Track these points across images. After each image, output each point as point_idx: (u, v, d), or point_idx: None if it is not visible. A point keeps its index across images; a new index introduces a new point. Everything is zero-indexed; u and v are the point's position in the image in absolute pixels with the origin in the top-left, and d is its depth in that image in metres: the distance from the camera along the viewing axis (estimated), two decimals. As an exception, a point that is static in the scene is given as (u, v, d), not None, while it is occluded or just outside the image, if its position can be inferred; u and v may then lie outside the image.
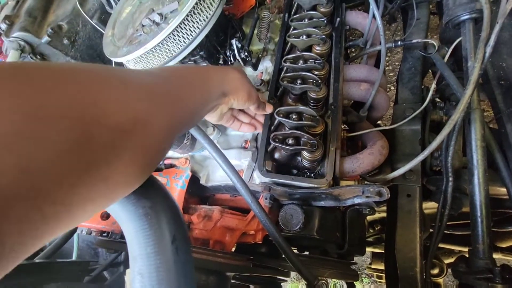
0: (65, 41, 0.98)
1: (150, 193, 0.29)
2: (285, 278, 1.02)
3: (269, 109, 0.67)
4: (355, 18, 0.88)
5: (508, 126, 0.64)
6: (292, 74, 0.68)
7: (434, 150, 0.78)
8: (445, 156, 0.66)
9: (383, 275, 1.41)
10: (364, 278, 2.22)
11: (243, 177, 0.68)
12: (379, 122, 0.95)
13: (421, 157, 0.58)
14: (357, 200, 0.60)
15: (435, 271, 1.05)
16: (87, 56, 1.06)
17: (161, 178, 0.74)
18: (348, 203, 0.62)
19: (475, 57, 0.55)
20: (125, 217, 0.28)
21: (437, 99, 0.84)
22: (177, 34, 0.58)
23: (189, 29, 0.60)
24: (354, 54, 0.98)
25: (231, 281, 1.05)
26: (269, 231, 0.59)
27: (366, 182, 0.68)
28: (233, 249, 1.27)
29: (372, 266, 1.41)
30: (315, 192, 0.62)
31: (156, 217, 0.28)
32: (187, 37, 0.59)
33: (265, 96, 0.77)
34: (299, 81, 0.67)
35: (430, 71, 0.94)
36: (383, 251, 1.23)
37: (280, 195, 0.69)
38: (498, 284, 0.58)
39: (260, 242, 0.77)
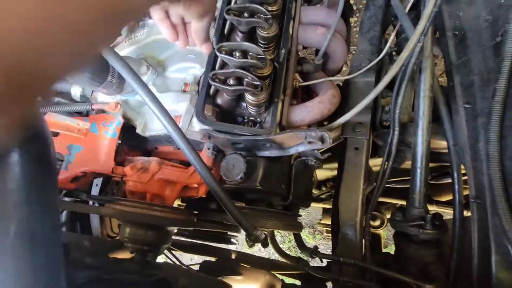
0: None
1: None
2: (235, 234, 1.01)
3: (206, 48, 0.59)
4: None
5: (456, 78, 0.63)
6: (239, 5, 0.59)
7: (385, 104, 0.77)
8: (393, 107, 0.64)
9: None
10: (317, 234, 2.38)
11: (180, 124, 0.61)
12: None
13: (366, 100, 0.55)
14: (301, 148, 0.57)
15: (376, 222, 1.12)
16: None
17: (86, 123, 0.64)
18: (292, 151, 0.59)
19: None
20: None
21: (394, 53, 0.81)
22: None
23: None
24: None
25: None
26: (206, 180, 0.54)
27: (314, 132, 0.65)
28: (178, 204, 1.23)
29: (323, 222, 1.48)
30: (258, 140, 0.57)
31: None
32: None
33: (211, 32, 0.67)
34: (246, 14, 0.58)
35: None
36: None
37: (222, 144, 0.64)
38: (428, 230, 0.61)
39: (204, 196, 0.73)
